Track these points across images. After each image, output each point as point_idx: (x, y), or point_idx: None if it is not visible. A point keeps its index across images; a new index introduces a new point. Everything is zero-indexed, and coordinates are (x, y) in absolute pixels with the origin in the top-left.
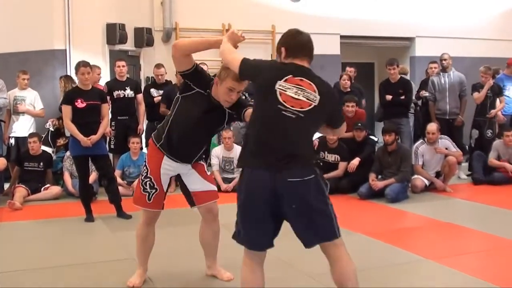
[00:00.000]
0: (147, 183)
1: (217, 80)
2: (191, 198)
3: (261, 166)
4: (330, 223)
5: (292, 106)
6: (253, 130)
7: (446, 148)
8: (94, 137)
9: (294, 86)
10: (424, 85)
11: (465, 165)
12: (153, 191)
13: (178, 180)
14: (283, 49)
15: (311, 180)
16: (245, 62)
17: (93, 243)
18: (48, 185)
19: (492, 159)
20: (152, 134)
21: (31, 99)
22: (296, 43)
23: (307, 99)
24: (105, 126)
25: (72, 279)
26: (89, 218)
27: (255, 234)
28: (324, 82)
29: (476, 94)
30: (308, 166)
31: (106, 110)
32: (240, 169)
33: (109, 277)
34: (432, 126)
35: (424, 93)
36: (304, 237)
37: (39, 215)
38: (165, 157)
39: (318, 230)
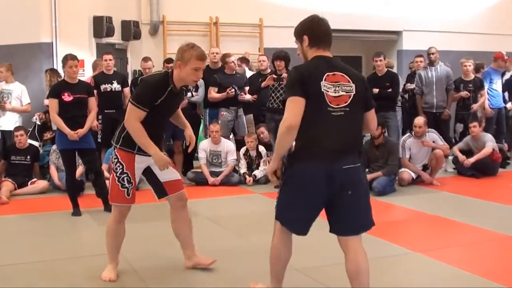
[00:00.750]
0: (125, 178)
1: (180, 64)
2: (161, 188)
3: (320, 158)
4: (370, 212)
5: (338, 105)
6: (312, 131)
7: (433, 142)
8: (81, 131)
9: (332, 85)
10: (410, 78)
11: (451, 158)
12: (130, 185)
13: (145, 173)
14: (306, 37)
15: (360, 168)
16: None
17: (80, 237)
18: (35, 179)
19: (455, 148)
20: (116, 143)
21: (18, 93)
22: (320, 31)
23: (346, 92)
24: (92, 119)
25: (60, 273)
26: (76, 212)
27: (303, 219)
28: (351, 69)
29: (457, 94)
30: (358, 154)
31: (93, 103)
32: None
33: (96, 271)
34: (419, 120)
35: (410, 86)
36: (346, 223)
37: (26, 209)
38: (136, 154)
39: (361, 217)
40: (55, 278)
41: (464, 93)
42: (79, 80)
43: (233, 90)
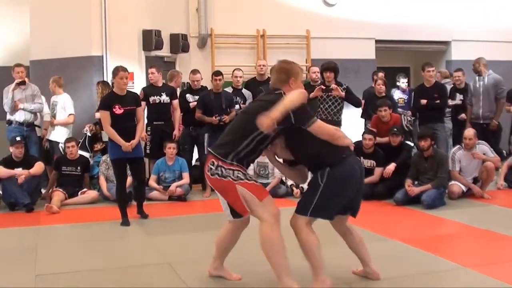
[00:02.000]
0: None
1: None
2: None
3: (352, 156)
4: None
5: None
6: None
7: (484, 154)
8: (134, 142)
9: None
10: (452, 93)
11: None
12: None
13: None
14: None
15: None
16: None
17: (129, 247)
18: (85, 189)
19: (505, 164)
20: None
21: (62, 103)
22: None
23: None
24: (142, 129)
25: (108, 282)
26: (125, 222)
27: (339, 207)
28: None
29: (509, 107)
30: None
31: (141, 113)
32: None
33: (144, 281)
34: (469, 132)
35: (452, 102)
36: (357, 207)
37: (76, 219)
38: None
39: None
40: (108, 284)
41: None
42: (127, 91)
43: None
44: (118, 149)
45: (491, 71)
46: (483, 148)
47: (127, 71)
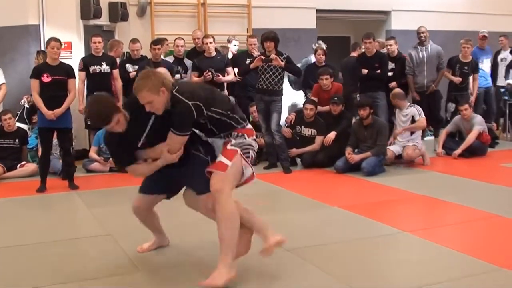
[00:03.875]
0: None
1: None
2: None
3: None
4: None
5: None
6: None
7: (412, 116)
8: (58, 111)
9: None
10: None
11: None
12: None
13: None
14: None
15: None
16: None
17: (70, 219)
18: (24, 162)
19: (444, 132)
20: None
21: None
22: None
23: None
24: (71, 100)
25: (51, 255)
26: (41, 188)
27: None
28: None
29: (448, 74)
30: None
31: (73, 85)
32: None
33: (87, 253)
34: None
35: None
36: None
37: (15, 193)
38: None
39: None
40: (46, 260)
41: (456, 79)
42: (61, 62)
43: (209, 73)
44: (44, 118)
45: (431, 41)
46: (412, 110)
47: (60, 41)
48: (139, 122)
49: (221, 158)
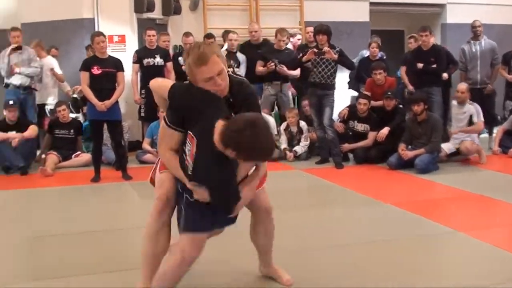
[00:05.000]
0: None
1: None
2: None
3: None
4: None
5: None
6: None
7: (470, 115)
8: (107, 102)
9: None
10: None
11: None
12: None
13: None
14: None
15: None
16: None
17: (122, 209)
18: (79, 152)
19: (500, 129)
20: None
21: (48, 66)
22: None
23: None
24: (120, 92)
25: (101, 244)
26: (95, 178)
27: None
28: None
29: (503, 72)
30: None
31: (122, 77)
32: None
33: (139, 242)
34: (462, 85)
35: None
36: None
37: (70, 182)
38: None
39: None
40: (98, 248)
41: (510, 77)
42: (109, 55)
43: (272, 64)
44: (94, 110)
45: (485, 36)
46: (470, 109)
47: (103, 35)
48: None
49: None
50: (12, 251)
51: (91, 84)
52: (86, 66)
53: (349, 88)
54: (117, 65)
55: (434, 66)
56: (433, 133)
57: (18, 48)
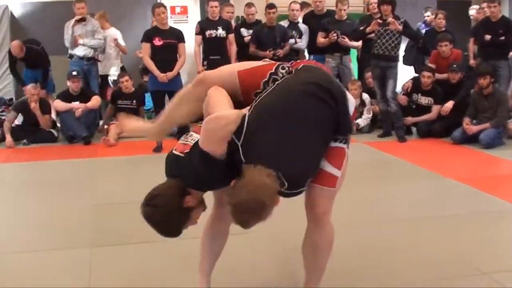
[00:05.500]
0: None
1: None
2: None
3: None
4: None
5: None
6: None
7: None
8: (170, 74)
9: None
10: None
11: None
12: None
13: None
14: None
15: None
16: None
17: None
18: None
19: None
20: None
21: (112, 37)
22: None
23: None
24: (181, 63)
25: None
26: (158, 149)
27: None
28: None
29: None
30: None
31: (183, 49)
32: None
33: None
34: None
35: None
36: None
37: (132, 151)
38: None
39: None
40: None
41: None
42: (171, 26)
43: (335, 35)
44: (156, 81)
45: None
46: None
47: (164, 6)
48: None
49: (328, 168)
50: (75, 218)
51: (153, 55)
52: (148, 37)
53: (404, 63)
54: (179, 36)
55: (503, 38)
56: (499, 107)
57: (82, 19)
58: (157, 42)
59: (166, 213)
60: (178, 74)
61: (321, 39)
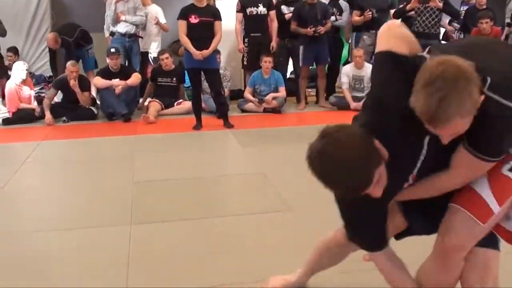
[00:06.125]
0: None
1: None
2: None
3: None
4: None
5: None
6: None
7: None
8: (206, 52)
9: None
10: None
11: None
12: None
13: None
14: None
15: None
16: None
17: (223, 157)
18: (181, 100)
19: None
20: None
21: (153, 14)
22: None
23: None
24: (217, 41)
25: (201, 190)
26: (197, 126)
27: None
28: None
29: None
30: None
31: (219, 27)
32: None
33: (239, 189)
34: None
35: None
36: None
37: (172, 129)
38: None
39: None
40: (199, 193)
41: None
42: (208, 4)
43: (370, 12)
44: (192, 59)
45: None
46: None
47: None
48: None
49: (487, 196)
50: (115, 195)
51: (189, 32)
52: (184, 15)
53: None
54: (215, 14)
55: None
56: None
57: None
58: (193, 19)
59: (359, 149)
60: (214, 52)
61: (356, 17)
